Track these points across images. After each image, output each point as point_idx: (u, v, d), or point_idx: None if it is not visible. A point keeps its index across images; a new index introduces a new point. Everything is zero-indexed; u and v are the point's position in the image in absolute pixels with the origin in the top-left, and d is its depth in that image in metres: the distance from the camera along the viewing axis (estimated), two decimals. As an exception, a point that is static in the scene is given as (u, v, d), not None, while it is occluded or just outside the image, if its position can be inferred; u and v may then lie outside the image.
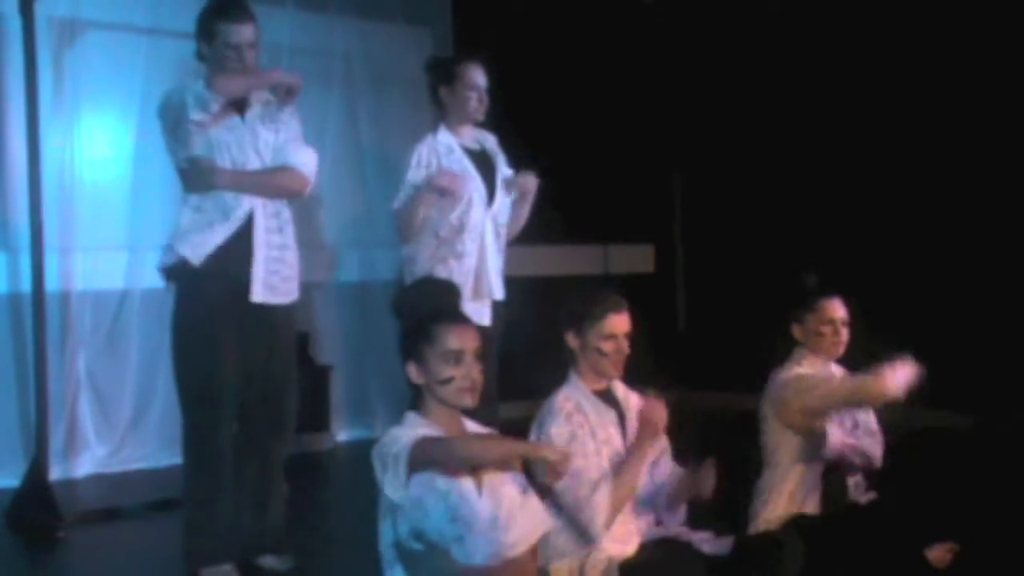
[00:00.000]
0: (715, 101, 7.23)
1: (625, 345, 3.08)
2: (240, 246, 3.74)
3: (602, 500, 2.93)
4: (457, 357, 2.53)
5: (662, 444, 3.19)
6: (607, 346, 3.05)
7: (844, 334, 3.59)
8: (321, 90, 6.40)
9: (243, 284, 3.75)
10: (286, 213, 3.90)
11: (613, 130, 7.25)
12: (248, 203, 3.77)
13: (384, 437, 2.55)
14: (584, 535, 2.96)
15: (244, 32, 3.78)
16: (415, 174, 4.26)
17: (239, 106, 3.82)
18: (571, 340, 3.10)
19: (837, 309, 3.59)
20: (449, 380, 2.53)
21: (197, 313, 3.74)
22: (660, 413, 3.00)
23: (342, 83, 6.51)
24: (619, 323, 3.06)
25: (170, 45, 5.78)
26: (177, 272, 3.77)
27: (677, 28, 7.27)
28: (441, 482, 2.49)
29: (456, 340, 2.54)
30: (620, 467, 2.98)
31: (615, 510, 2.96)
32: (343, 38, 6.50)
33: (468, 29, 6.74)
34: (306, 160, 3.91)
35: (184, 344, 3.78)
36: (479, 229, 4.27)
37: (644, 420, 3.01)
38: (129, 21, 5.73)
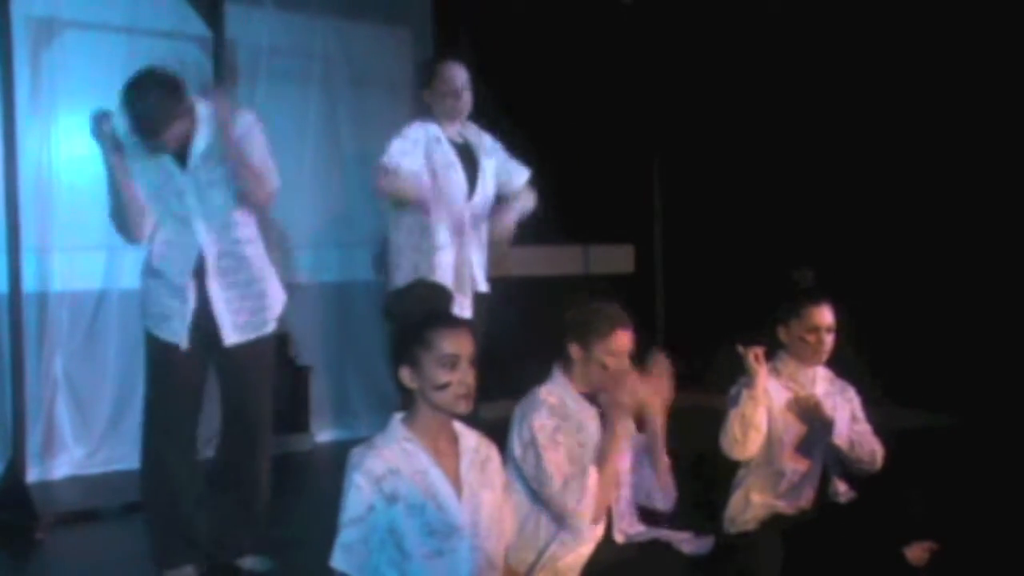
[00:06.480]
0: (695, 101, 7.24)
1: (627, 362, 3.08)
2: (201, 292, 3.69)
3: (580, 489, 2.93)
4: (453, 362, 2.51)
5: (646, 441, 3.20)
6: (610, 362, 3.05)
7: (828, 342, 3.53)
8: (301, 90, 6.39)
9: (212, 328, 3.70)
10: (245, 249, 3.73)
11: (593, 130, 7.25)
12: (191, 260, 3.65)
13: (364, 457, 2.50)
14: (567, 524, 2.97)
15: None
16: (403, 143, 4.28)
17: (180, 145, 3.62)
18: (574, 351, 3.08)
19: (824, 316, 3.52)
20: (445, 386, 2.51)
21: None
22: (624, 393, 2.98)
23: (322, 83, 6.49)
24: (625, 341, 3.07)
25: (148, 44, 5.76)
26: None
27: (657, 27, 7.28)
28: (415, 496, 2.48)
29: (452, 345, 2.51)
30: (598, 454, 2.99)
31: (603, 498, 2.96)
32: (323, 38, 6.49)
33: (448, 29, 6.73)
34: (273, 171, 3.73)
35: (149, 360, 3.76)
36: (458, 221, 4.28)
37: (612, 400, 3.00)
38: (107, 20, 5.69)
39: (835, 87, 6.53)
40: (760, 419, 3.40)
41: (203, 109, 3.64)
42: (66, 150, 5.50)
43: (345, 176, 6.57)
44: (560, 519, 2.98)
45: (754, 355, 3.43)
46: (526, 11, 6.82)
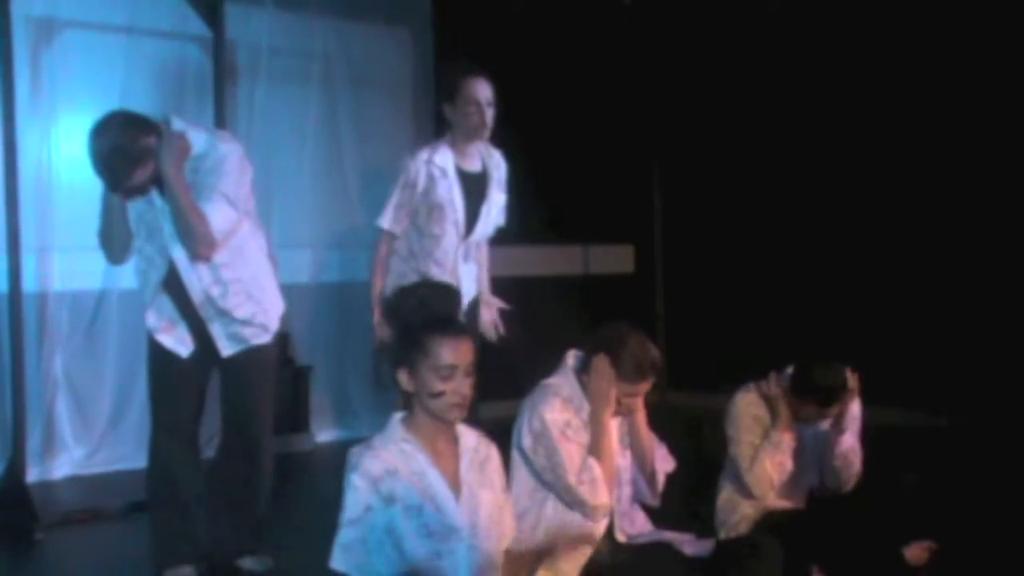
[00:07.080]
0: (696, 101, 7.24)
1: (639, 403, 3.08)
2: (190, 310, 3.68)
3: (591, 481, 2.95)
4: (449, 372, 2.49)
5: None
6: (624, 399, 3.03)
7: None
8: (301, 90, 6.40)
9: (207, 340, 3.70)
10: (226, 274, 3.65)
11: (593, 130, 7.25)
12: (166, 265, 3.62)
13: (361, 457, 2.50)
14: (587, 515, 3.00)
15: None
16: (401, 194, 4.21)
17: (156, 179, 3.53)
18: (601, 363, 3.01)
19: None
20: (439, 394, 2.50)
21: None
22: (606, 378, 2.98)
23: (321, 83, 6.49)
24: (645, 389, 3.05)
25: (148, 44, 5.78)
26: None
27: (657, 28, 7.29)
28: (413, 497, 2.48)
29: (450, 355, 2.49)
30: (590, 447, 2.99)
31: (608, 483, 2.98)
32: (323, 38, 6.49)
33: (448, 29, 6.74)
34: (217, 217, 3.51)
35: (152, 361, 3.77)
36: (450, 257, 4.22)
37: (592, 388, 3.01)
38: (107, 20, 5.70)
39: (833, 86, 6.53)
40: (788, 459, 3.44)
41: (195, 136, 3.57)
42: (66, 150, 5.51)
43: (345, 175, 6.58)
44: (579, 509, 2.98)
45: (776, 391, 3.42)
46: (526, 11, 6.82)
